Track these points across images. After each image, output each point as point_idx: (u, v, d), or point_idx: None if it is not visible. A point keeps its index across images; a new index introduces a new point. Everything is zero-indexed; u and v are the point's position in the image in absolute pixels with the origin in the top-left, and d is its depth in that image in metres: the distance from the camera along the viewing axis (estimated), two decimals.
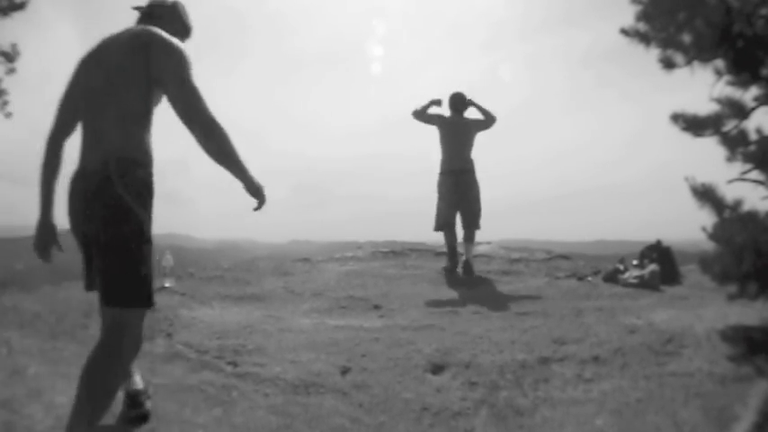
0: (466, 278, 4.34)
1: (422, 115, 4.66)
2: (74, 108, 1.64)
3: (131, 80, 1.50)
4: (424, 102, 4.66)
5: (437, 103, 4.68)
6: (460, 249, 4.60)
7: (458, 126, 4.60)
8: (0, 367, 1.98)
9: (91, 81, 1.58)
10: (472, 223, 4.52)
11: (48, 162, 1.64)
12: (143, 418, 1.75)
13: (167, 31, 1.59)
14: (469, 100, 4.68)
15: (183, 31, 1.80)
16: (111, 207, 1.43)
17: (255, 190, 1.62)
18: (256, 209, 1.65)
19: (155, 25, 1.61)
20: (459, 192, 4.48)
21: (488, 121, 4.66)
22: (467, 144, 4.57)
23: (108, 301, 1.47)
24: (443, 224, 4.54)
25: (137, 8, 1.76)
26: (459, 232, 4.60)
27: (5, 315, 2.59)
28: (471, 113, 4.73)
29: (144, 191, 1.49)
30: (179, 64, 1.49)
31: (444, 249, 4.74)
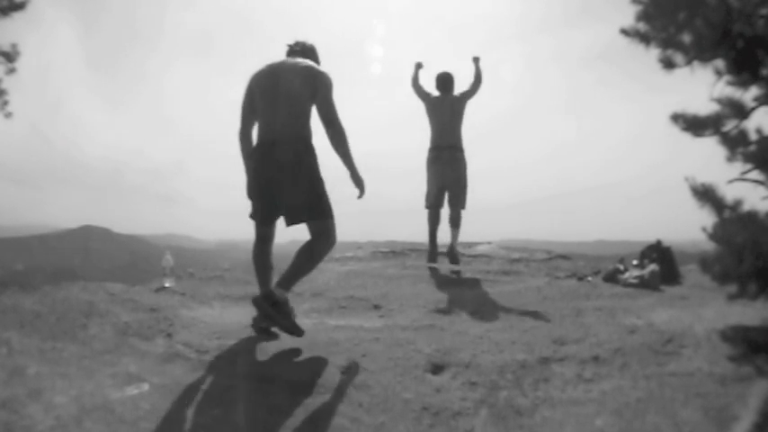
0: (454, 274, 4.35)
1: (415, 85, 4.80)
2: (253, 109, 2.58)
3: (305, 94, 2.46)
4: (412, 71, 4.84)
5: (419, 65, 4.83)
6: (447, 239, 4.66)
7: (444, 103, 4.64)
8: (0, 367, 1.98)
9: (274, 91, 2.49)
10: (457, 202, 4.55)
11: (246, 146, 2.64)
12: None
13: None
14: (476, 57, 4.75)
15: (317, 64, 2.66)
16: (303, 162, 2.42)
17: (359, 180, 2.51)
18: (359, 197, 2.54)
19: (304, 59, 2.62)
20: (445, 169, 4.52)
21: (475, 84, 4.71)
22: (454, 120, 4.60)
23: (314, 216, 2.40)
24: (430, 204, 4.61)
25: (289, 45, 2.74)
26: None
27: (5, 315, 2.58)
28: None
29: (313, 152, 2.47)
30: (329, 89, 2.48)
31: (442, 249, 4.74)
